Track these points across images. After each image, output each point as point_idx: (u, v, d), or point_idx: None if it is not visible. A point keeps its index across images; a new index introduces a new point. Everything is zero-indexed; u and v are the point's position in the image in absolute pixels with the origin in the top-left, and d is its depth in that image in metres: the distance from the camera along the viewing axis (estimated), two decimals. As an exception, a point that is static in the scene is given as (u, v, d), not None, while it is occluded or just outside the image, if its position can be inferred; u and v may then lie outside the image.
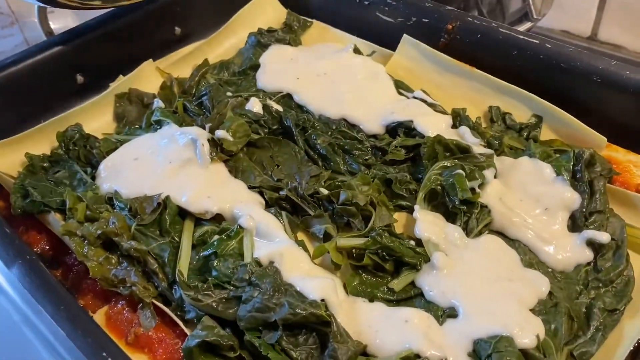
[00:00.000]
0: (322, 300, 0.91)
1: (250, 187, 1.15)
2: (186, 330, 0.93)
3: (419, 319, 0.91)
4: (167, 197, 1.08)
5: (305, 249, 1.04)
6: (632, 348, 0.91)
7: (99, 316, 1.00)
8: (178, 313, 0.96)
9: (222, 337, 0.87)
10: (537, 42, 1.32)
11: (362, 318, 0.93)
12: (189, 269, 1.00)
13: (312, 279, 0.95)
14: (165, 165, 1.16)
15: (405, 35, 1.45)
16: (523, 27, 1.63)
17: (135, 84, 1.43)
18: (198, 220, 1.09)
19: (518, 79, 1.31)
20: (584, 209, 1.06)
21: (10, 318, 1.02)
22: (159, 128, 1.28)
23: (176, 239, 1.05)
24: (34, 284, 0.90)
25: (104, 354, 0.80)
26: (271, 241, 1.03)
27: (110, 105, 1.40)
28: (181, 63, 1.52)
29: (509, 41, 1.35)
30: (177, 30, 1.58)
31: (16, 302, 1.03)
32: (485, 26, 1.40)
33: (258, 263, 0.98)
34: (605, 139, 1.20)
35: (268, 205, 1.12)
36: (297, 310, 0.87)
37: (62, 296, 0.88)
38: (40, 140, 1.29)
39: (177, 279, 0.96)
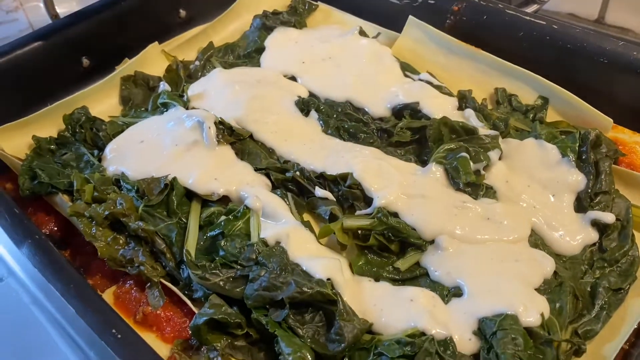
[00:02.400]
0: (328, 279, 0.91)
1: (257, 170, 1.15)
2: (194, 309, 0.94)
3: (425, 298, 0.92)
4: (174, 179, 1.09)
5: (311, 230, 1.05)
6: (636, 326, 0.92)
7: (107, 296, 1.01)
8: (186, 292, 0.97)
9: (229, 314, 0.88)
10: (543, 23, 1.31)
11: (367, 297, 0.94)
12: (196, 249, 1.01)
13: (318, 259, 0.96)
14: (171, 148, 1.17)
15: (410, 16, 1.45)
16: (529, 10, 1.62)
17: (140, 67, 1.43)
18: (205, 202, 1.10)
19: (524, 60, 1.31)
20: (590, 190, 1.07)
21: (19, 299, 1.03)
22: (165, 111, 1.29)
23: (183, 219, 1.06)
24: (43, 263, 0.91)
25: (114, 331, 0.81)
26: (277, 222, 1.04)
27: (116, 88, 1.40)
28: (186, 46, 1.53)
29: (515, 23, 1.35)
30: (182, 13, 1.58)
31: (25, 284, 1.05)
32: (491, 7, 1.39)
33: (265, 243, 0.98)
34: (611, 120, 1.20)
35: (274, 187, 1.13)
36: (304, 288, 0.88)
37: (71, 275, 0.90)
38: (47, 123, 1.29)
39: (185, 259, 0.97)
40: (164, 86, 1.38)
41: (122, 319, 0.85)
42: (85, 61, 1.44)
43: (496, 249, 0.99)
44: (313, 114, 1.28)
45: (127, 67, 1.42)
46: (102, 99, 1.37)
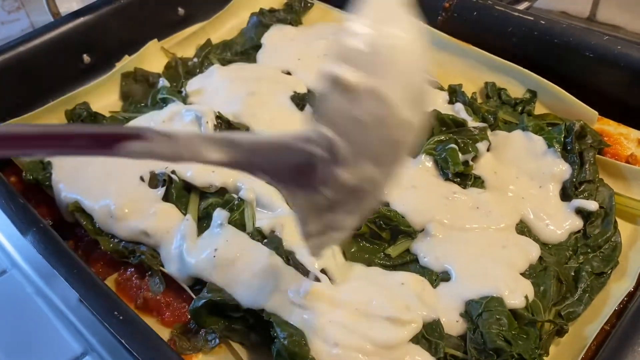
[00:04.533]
0: (322, 270, 0.95)
1: (253, 162, 1.18)
2: (192, 295, 0.97)
3: (414, 282, 0.95)
4: (173, 172, 1.12)
5: (306, 219, 1.08)
6: (616, 308, 0.95)
7: (109, 283, 1.04)
8: (184, 280, 1.01)
9: (227, 298, 0.92)
10: (531, 19, 1.35)
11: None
12: (194, 239, 1.04)
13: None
14: (170, 141, 1.20)
15: (403, 14, 1.48)
16: (520, 7, 1.65)
17: (140, 64, 1.46)
18: (203, 194, 1.13)
19: (513, 55, 1.35)
20: (574, 179, 1.10)
21: (23, 290, 1.07)
22: (165, 106, 1.32)
23: (182, 211, 1.09)
24: (48, 250, 0.94)
25: (116, 313, 0.84)
26: (274, 211, 1.07)
27: (117, 85, 1.44)
28: (185, 43, 1.56)
29: (505, 19, 1.38)
30: (180, 11, 1.61)
31: (29, 274, 1.09)
32: (482, 4, 1.42)
33: (260, 232, 1.02)
34: (596, 112, 1.24)
35: (270, 178, 1.16)
36: (297, 274, 0.92)
37: (75, 261, 0.93)
38: (49, 119, 1.33)
39: (184, 247, 1.01)
40: (163, 82, 1.41)
41: (124, 303, 0.88)
42: (86, 58, 1.46)
43: (483, 235, 1.02)
44: (308, 108, 1.31)
45: (127, 63, 1.45)
46: (102, 95, 1.41)
